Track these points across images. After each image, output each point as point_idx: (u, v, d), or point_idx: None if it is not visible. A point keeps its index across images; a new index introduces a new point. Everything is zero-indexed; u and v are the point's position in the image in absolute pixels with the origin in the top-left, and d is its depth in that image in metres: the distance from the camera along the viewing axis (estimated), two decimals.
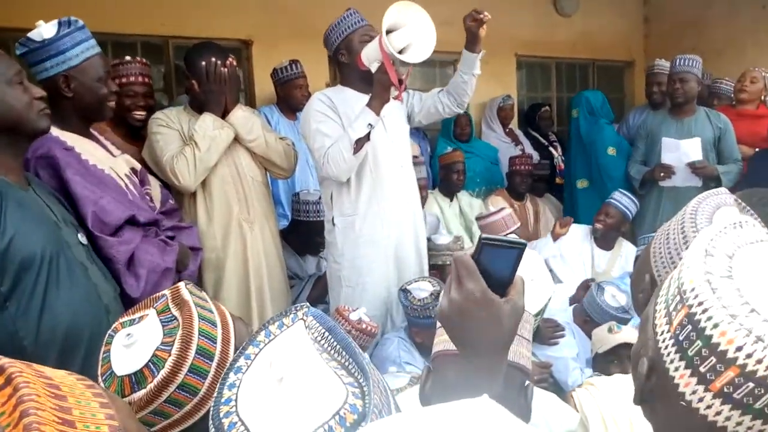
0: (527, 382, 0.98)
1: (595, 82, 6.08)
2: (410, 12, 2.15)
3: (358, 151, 2.31)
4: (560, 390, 2.45)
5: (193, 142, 2.41)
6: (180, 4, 3.87)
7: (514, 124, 5.11)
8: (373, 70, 2.25)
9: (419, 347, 2.44)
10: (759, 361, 0.60)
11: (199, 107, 2.52)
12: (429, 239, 2.92)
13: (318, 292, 3.00)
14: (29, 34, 1.79)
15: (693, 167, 3.51)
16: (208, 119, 2.43)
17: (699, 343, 0.64)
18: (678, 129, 3.66)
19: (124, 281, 1.79)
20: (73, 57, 1.81)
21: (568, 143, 4.60)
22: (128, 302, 1.72)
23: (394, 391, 1.75)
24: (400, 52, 2.13)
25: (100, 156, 1.93)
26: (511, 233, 3.19)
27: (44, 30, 1.77)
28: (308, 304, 0.73)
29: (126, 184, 1.96)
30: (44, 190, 1.64)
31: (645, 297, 1.05)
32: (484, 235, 0.77)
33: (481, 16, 2.39)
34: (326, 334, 0.70)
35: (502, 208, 3.44)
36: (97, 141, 2.01)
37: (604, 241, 3.56)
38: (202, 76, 2.43)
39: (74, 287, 1.50)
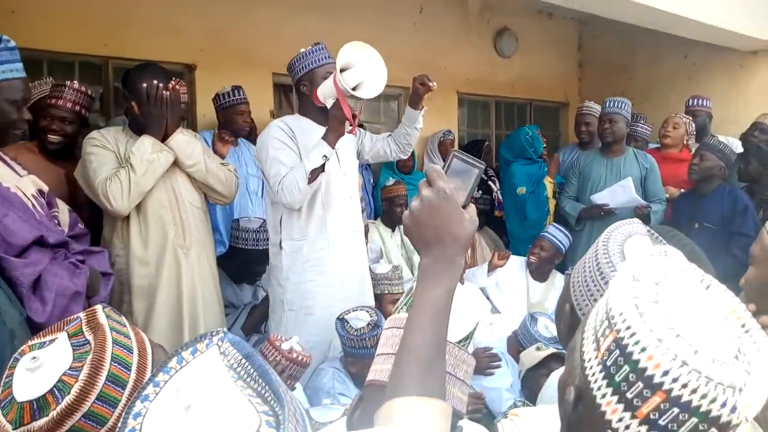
0: (459, 423, 0.99)
1: (533, 121, 6.32)
2: (362, 51, 2.29)
3: (313, 182, 2.38)
4: (493, 421, 2.48)
5: (129, 165, 2.34)
6: (123, 25, 3.81)
7: None
8: (329, 106, 2.36)
9: (354, 378, 2.43)
10: (684, 386, 0.61)
11: (138, 129, 2.47)
12: (369, 269, 2.94)
13: (253, 321, 2.95)
14: None
15: (636, 210, 3.62)
16: (146, 142, 2.39)
17: (626, 368, 0.64)
18: (608, 167, 3.84)
19: (28, 306, 1.69)
20: None
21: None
22: (35, 328, 1.62)
23: (326, 423, 1.73)
24: (353, 89, 2.24)
25: (4, 174, 1.84)
26: None
27: None
28: (225, 330, 0.72)
29: (33, 204, 1.87)
30: None
31: (566, 327, 1.07)
32: (455, 150, 0.89)
33: (431, 84, 2.60)
34: (243, 360, 0.69)
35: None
36: (2, 160, 1.91)
37: (539, 273, 3.66)
38: (143, 97, 2.39)
39: None
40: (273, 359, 1.91)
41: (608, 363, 0.66)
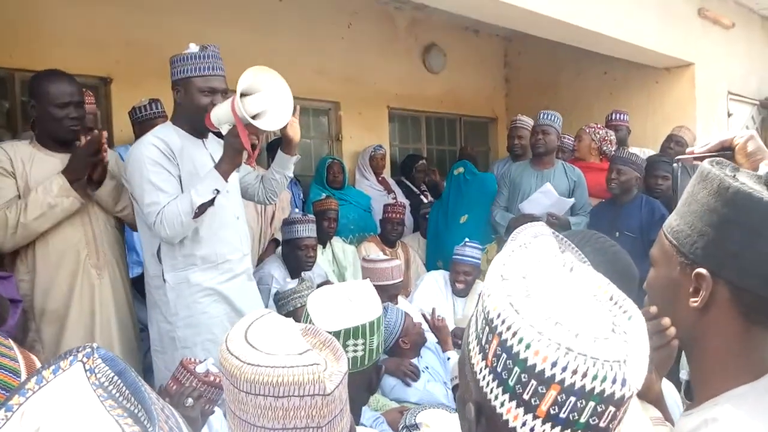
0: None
1: (462, 135, 6.41)
2: (267, 77, 2.09)
3: (199, 216, 2.16)
4: None
5: (23, 205, 2.15)
6: (32, 37, 3.59)
7: (386, 173, 5.21)
8: (224, 131, 2.14)
9: None
10: (574, 372, 0.60)
11: (46, 142, 2.30)
12: (277, 292, 2.90)
13: None
14: None
15: (549, 220, 3.72)
16: (55, 183, 2.18)
17: (516, 369, 0.63)
18: (538, 179, 3.90)
19: None
20: None
21: (445, 192, 4.69)
22: None
23: None
24: (253, 117, 2.04)
25: None
26: (392, 285, 3.21)
27: None
28: (95, 345, 0.62)
29: None
30: None
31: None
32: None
33: (296, 125, 2.39)
34: (114, 378, 0.60)
35: (393, 259, 3.44)
36: None
37: (463, 291, 3.62)
38: (49, 104, 2.23)
39: None
40: (189, 384, 1.77)
41: (498, 369, 0.65)
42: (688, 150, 1.17)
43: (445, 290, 3.63)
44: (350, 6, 5.25)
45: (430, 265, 4.33)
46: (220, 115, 2.13)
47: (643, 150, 4.30)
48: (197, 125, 2.28)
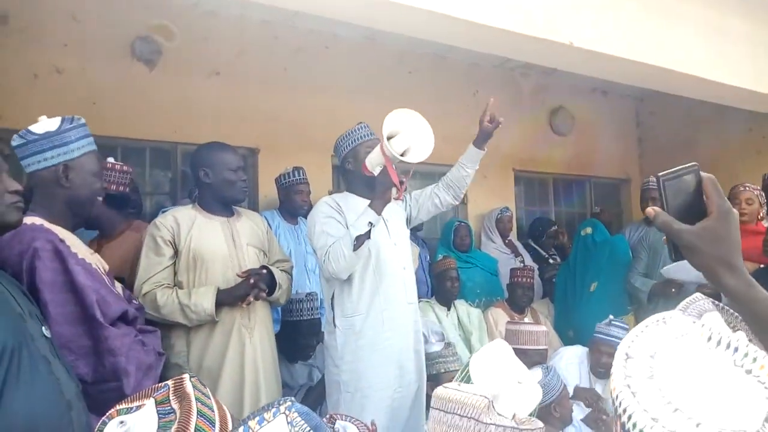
0: None
1: (593, 197, 6.20)
2: (407, 117, 2.28)
3: (359, 248, 2.32)
4: None
5: (176, 293, 2.33)
6: (191, 112, 4.04)
7: (513, 236, 5.14)
8: (376, 173, 2.35)
9: None
10: None
11: (207, 206, 2.51)
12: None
13: (309, 403, 2.82)
14: (30, 127, 1.84)
15: (700, 289, 3.45)
16: (207, 302, 2.33)
17: None
18: None
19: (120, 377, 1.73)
20: (75, 149, 1.86)
21: (572, 255, 4.54)
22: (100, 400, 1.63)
23: None
24: (401, 155, 2.23)
25: (84, 251, 1.91)
26: (536, 350, 3.13)
27: (47, 124, 1.83)
28: (293, 399, 0.67)
29: (108, 281, 1.94)
30: (8, 280, 1.59)
31: None
32: (661, 174, 0.89)
33: (500, 119, 2.60)
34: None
35: (540, 324, 3.36)
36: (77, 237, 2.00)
37: (604, 373, 3.33)
38: (225, 170, 2.47)
39: (35, 382, 1.42)
40: None
41: None
42: None
43: (585, 368, 3.38)
44: (477, 75, 5.39)
45: (560, 334, 4.14)
46: (373, 159, 2.38)
47: None
48: (372, 183, 2.45)
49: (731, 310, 1.04)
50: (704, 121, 5.57)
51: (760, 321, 0.82)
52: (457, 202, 2.89)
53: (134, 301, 2.20)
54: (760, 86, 4.11)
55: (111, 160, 2.96)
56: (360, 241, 2.30)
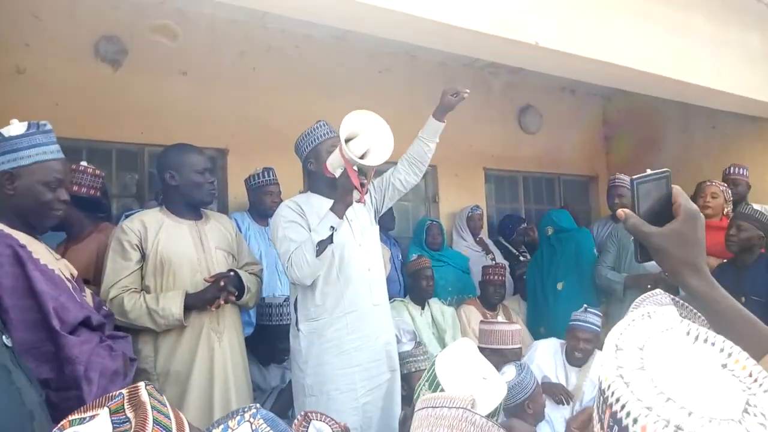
0: None
1: (561, 194, 6.29)
2: (366, 119, 2.26)
3: (321, 254, 2.30)
4: None
5: (144, 298, 2.31)
6: (158, 114, 3.98)
7: (483, 234, 5.19)
8: (337, 176, 2.32)
9: None
10: None
11: (174, 208, 2.48)
12: None
13: (280, 406, 2.83)
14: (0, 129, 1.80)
15: (660, 276, 3.53)
16: (175, 305, 2.31)
17: None
18: None
19: (79, 385, 1.70)
20: (24, 157, 1.80)
21: (538, 253, 4.61)
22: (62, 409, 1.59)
23: None
24: (360, 158, 2.21)
25: (48, 257, 1.87)
26: (510, 349, 3.16)
27: (13, 128, 1.78)
28: (258, 405, 0.67)
29: (72, 287, 1.89)
30: None
31: None
32: (635, 176, 0.91)
33: (465, 92, 2.58)
34: None
35: (513, 323, 3.38)
36: (42, 243, 1.95)
37: (580, 359, 3.43)
38: (191, 172, 2.44)
39: None
40: None
41: None
42: None
43: (559, 359, 3.45)
44: (446, 74, 5.42)
45: (531, 330, 4.19)
46: (333, 162, 2.35)
47: (764, 207, 4.02)
48: (334, 183, 2.42)
49: (689, 306, 1.08)
50: (669, 119, 5.70)
51: (720, 319, 0.88)
52: (418, 179, 2.81)
53: (104, 307, 2.16)
54: (722, 85, 4.22)
55: (84, 163, 2.90)
56: (322, 246, 2.28)
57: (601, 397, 0.66)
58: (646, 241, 0.92)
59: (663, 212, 0.92)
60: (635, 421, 0.60)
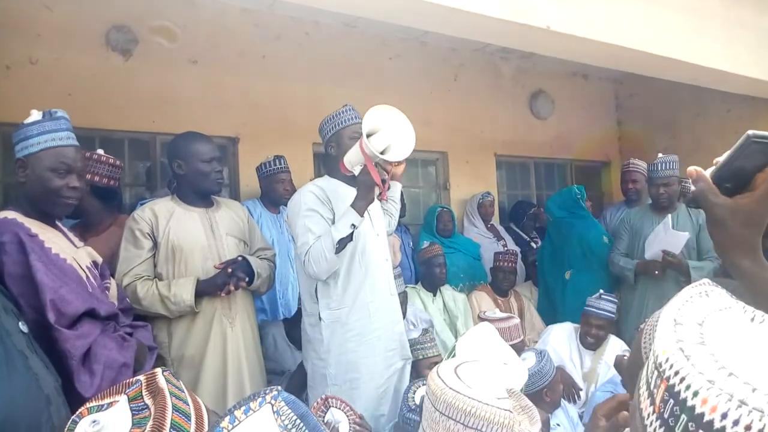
0: None
1: (573, 180, 6.26)
2: (387, 114, 2.20)
3: (341, 251, 2.29)
4: None
5: (156, 286, 2.33)
6: (170, 102, 3.99)
7: (495, 220, 5.18)
8: (356, 173, 2.28)
9: None
10: (748, 428, 0.55)
11: (185, 196, 2.50)
12: None
13: (292, 390, 2.85)
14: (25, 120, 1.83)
15: (665, 259, 3.52)
16: (186, 291, 2.33)
17: (684, 417, 0.60)
18: (660, 224, 3.71)
19: (77, 378, 1.70)
20: (33, 144, 1.81)
21: (546, 239, 4.60)
22: (75, 396, 1.62)
23: None
24: (381, 153, 2.16)
25: (62, 246, 1.88)
26: (512, 345, 3.18)
27: (31, 118, 1.81)
28: (279, 387, 0.68)
29: (87, 276, 1.90)
30: None
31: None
32: (752, 132, 0.82)
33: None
34: (297, 421, 0.65)
35: (511, 317, 3.39)
36: (61, 231, 1.96)
37: (593, 344, 3.43)
38: (198, 161, 2.44)
39: (12, 378, 1.41)
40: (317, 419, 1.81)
41: (666, 415, 0.61)
42: None
43: (574, 343, 3.47)
44: (456, 59, 5.38)
45: (543, 316, 4.20)
46: (351, 158, 2.29)
47: None
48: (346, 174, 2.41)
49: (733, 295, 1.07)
50: (683, 103, 5.63)
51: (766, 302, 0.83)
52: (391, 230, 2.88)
53: (126, 300, 2.20)
54: (735, 68, 4.16)
55: (100, 152, 2.87)
56: (342, 243, 2.27)
57: (656, 371, 0.64)
58: (709, 210, 0.85)
59: (738, 180, 0.84)
60: (696, 393, 0.58)
